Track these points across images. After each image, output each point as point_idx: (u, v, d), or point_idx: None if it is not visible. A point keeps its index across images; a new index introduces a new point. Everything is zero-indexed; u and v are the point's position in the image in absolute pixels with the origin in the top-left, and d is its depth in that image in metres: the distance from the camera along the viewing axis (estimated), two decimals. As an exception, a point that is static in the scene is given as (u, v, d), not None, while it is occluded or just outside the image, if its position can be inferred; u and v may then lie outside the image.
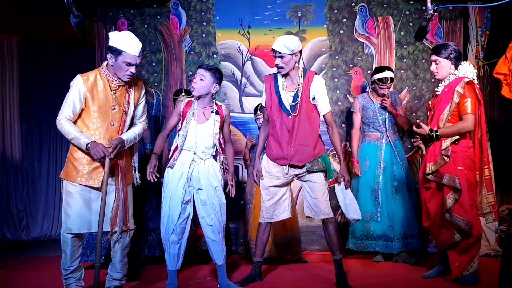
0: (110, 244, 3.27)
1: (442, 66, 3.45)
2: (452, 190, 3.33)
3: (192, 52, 4.85)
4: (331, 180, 3.46)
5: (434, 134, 3.37)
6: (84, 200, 3.07)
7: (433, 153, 3.41)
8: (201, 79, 3.26)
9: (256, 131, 4.42)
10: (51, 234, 5.81)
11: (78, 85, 3.04)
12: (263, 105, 3.55)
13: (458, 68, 3.45)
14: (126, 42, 3.03)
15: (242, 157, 4.43)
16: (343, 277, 3.41)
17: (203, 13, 4.84)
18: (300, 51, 3.38)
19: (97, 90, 3.07)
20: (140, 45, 3.09)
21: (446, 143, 3.36)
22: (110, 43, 3.04)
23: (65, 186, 3.09)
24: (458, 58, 3.46)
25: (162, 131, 3.40)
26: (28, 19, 5.45)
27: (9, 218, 5.67)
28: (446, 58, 3.44)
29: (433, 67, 3.51)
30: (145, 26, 4.85)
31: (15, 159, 5.71)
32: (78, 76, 3.08)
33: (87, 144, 2.99)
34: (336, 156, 4.68)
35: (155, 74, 4.84)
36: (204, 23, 4.84)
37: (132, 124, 3.27)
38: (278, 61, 3.33)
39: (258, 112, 4.21)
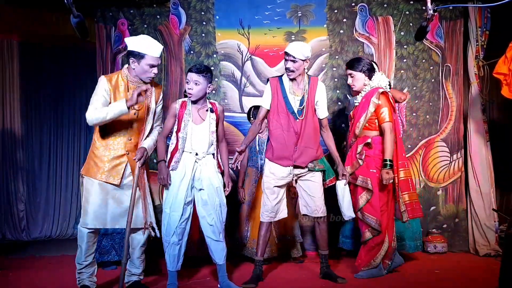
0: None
1: (357, 79, 3.72)
2: (364, 190, 3.61)
3: (192, 52, 4.85)
4: (330, 179, 3.70)
5: (389, 163, 3.53)
6: (101, 197, 3.17)
7: (350, 157, 3.71)
8: (196, 84, 3.27)
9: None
10: (52, 234, 5.81)
11: (104, 84, 3.16)
12: (265, 106, 3.62)
13: (372, 79, 3.72)
14: (147, 45, 3.15)
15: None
16: (329, 270, 3.65)
17: (202, 13, 4.84)
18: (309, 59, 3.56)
19: (119, 91, 3.19)
20: (161, 47, 3.22)
21: (359, 147, 3.64)
22: (131, 48, 3.15)
23: (85, 183, 3.20)
24: (371, 70, 3.73)
25: (159, 136, 3.39)
26: (28, 19, 5.45)
27: (9, 218, 5.67)
28: (360, 71, 3.71)
29: (349, 80, 3.78)
30: (145, 25, 4.85)
31: (15, 159, 5.71)
32: (102, 76, 3.21)
33: (124, 103, 3.05)
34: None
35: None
36: (204, 23, 4.84)
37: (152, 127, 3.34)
38: (290, 64, 3.49)
39: (252, 119, 4.24)
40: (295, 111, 3.53)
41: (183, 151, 3.28)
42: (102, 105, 3.10)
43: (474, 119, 4.66)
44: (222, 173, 3.42)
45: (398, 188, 3.65)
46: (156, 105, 3.33)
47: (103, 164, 3.16)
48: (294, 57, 3.46)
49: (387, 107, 3.63)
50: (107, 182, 3.17)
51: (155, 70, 3.20)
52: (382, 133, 3.66)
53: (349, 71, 3.75)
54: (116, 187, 3.19)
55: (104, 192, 3.17)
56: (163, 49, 3.22)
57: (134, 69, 3.18)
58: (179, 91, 4.80)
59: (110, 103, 3.15)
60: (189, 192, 3.27)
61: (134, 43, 3.16)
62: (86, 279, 3.21)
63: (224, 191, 3.38)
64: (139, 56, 3.13)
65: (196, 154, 3.28)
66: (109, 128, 3.18)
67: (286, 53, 3.50)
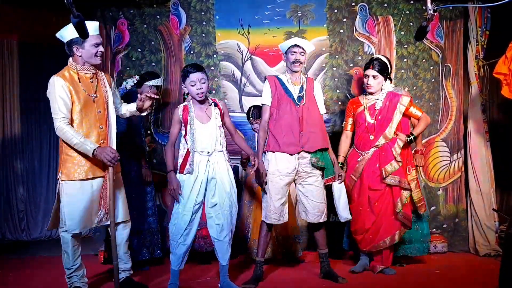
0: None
1: (379, 82, 3.78)
2: (402, 191, 3.68)
3: (192, 52, 4.85)
4: (328, 178, 3.58)
5: (412, 138, 3.83)
6: (86, 199, 3.11)
7: (385, 158, 3.70)
8: (203, 82, 3.27)
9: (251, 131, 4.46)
10: (52, 234, 5.80)
11: (60, 83, 3.08)
12: (267, 103, 3.62)
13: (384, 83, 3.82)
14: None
15: (239, 157, 4.42)
16: (330, 270, 3.63)
17: (203, 13, 4.83)
18: None
19: (76, 83, 3.14)
20: (96, 23, 3.20)
21: (398, 150, 3.70)
22: (69, 38, 3.10)
23: (65, 189, 3.11)
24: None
25: (167, 144, 3.37)
26: (28, 19, 5.45)
27: (10, 218, 5.67)
28: (382, 74, 3.76)
29: (371, 81, 3.77)
30: (145, 26, 4.85)
31: (15, 159, 5.71)
32: (54, 77, 3.13)
33: (93, 150, 3.03)
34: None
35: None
36: (204, 23, 4.84)
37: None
38: (300, 56, 3.59)
39: (251, 118, 4.23)
40: (295, 97, 3.57)
41: (194, 152, 3.25)
42: (66, 110, 3.06)
43: (474, 119, 4.65)
44: (234, 169, 3.45)
45: (416, 185, 3.89)
46: (111, 88, 3.32)
47: (85, 162, 3.10)
48: (303, 49, 3.58)
49: (412, 105, 3.85)
50: (94, 177, 3.12)
51: (101, 48, 3.18)
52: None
53: (374, 73, 3.75)
54: (97, 182, 3.14)
55: (86, 193, 3.12)
56: (98, 24, 3.20)
57: (80, 56, 3.14)
58: (178, 90, 4.80)
59: (72, 98, 3.08)
60: (201, 193, 3.24)
61: (69, 32, 3.08)
62: (77, 281, 3.19)
63: (250, 169, 3.43)
64: (80, 40, 3.07)
65: (208, 153, 3.26)
66: (78, 124, 3.11)
67: (296, 46, 3.56)
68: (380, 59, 3.83)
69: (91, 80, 3.19)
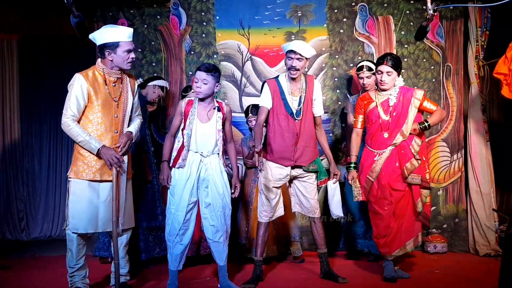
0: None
1: (393, 78, 3.56)
2: (422, 190, 3.55)
3: (192, 52, 4.85)
4: (322, 180, 3.68)
5: (427, 124, 3.58)
6: (91, 200, 3.11)
7: (405, 156, 3.53)
8: (204, 83, 3.26)
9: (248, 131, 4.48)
10: (51, 234, 5.81)
11: (80, 82, 3.08)
12: (267, 106, 3.59)
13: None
14: (117, 33, 3.11)
15: (241, 157, 4.41)
16: (330, 269, 3.64)
17: (203, 13, 4.84)
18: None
19: (98, 84, 3.13)
20: (131, 29, 3.19)
21: (416, 147, 3.54)
22: (103, 41, 3.10)
23: (72, 187, 3.12)
24: None
25: (167, 134, 3.42)
26: (28, 19, 5.44)
27: (9, 218, 5.66)
28: (396, 69, 3.55)
29: (385, 77, 3.54)
30: (145, 26, 4.85)
31: (15, 159, 5.70)
32: (77, 74, 3.13)
33: (98, 149, 3.04)
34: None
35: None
36: (204, 23, 4.84)
37: (130, 117, 3.32)
38: (296, 63, 3.45)
39: (250, 115, 4.23)
40: (294, 112, 3.53)
41: (189, 150, 3.26)
42: (77, 110, 3.06)
43: (474, 119, 4.65)
44: (228, 173, 3.42)
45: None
46: (133, 96, 3.30)
47: (95, 163, 3.10)
48: (301, 55, 3.43)
49: (425, 99, 3.64)
50: (101, 181, 3.12)
51: (132, 55, 3.17)
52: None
53: (388, 69, 3.52)
54: (106, 187, 3.14)
55: (95, 195, 3.11)
56: (132, 31, 3.19)
57: (111, 60, 3.13)
58: (179, 91, 4.80)
59: (89, 99, 3.09)
60: (194, 193, 3.26)
61: (103, 35, 3.10)
62: (79, 282, 3.18)
63: (233, 193, 3.39)
64: (113, 46, 3.08)
65: (201, 153, 3.27)
66: (93, 125, 3.11)
67: (293, 51, 3.43)
68: (394, 54, 3.70)
69: (114, 84, 3.18)
